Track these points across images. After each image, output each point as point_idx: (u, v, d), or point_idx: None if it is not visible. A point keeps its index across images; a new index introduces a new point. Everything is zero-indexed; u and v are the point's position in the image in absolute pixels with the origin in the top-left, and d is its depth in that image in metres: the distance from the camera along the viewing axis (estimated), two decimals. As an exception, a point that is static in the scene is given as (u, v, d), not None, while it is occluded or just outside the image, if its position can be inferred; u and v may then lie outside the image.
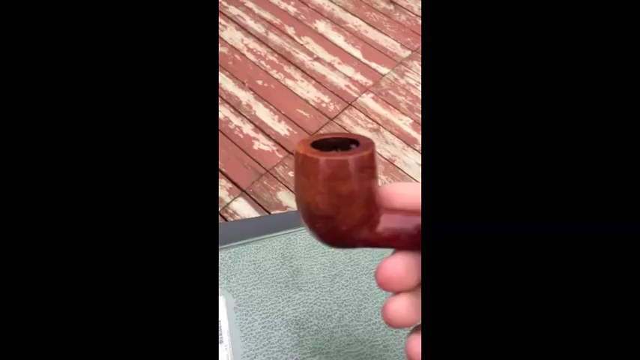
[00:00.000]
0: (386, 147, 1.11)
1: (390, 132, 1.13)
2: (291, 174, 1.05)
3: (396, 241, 0.18)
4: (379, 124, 1.14)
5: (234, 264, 0.37)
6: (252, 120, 1.13)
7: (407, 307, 0.18)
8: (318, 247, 0.38)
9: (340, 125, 1.14)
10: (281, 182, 1.04)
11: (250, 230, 0.40)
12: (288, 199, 1.03)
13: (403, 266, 0.18)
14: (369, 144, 0.18)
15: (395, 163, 1.09)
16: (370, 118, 1.15)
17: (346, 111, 1.16)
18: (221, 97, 1.17)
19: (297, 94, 1.19)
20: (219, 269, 0.37)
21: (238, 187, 1.03)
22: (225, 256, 0.37)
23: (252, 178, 1.04)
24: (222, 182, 1.03)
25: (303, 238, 0.38)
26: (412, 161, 1.08)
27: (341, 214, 0.17)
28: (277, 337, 0.34)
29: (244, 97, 1.18)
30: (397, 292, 0.18)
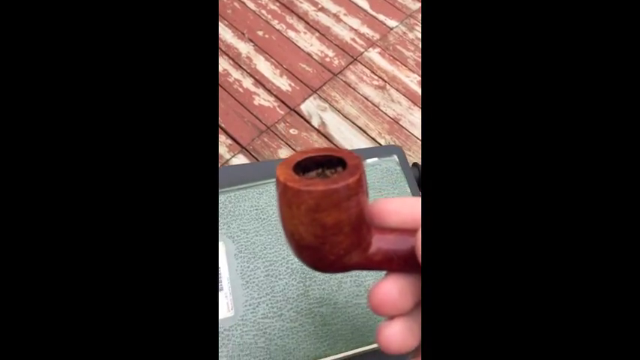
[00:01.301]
0: (391, 105, 1.07)
1: (397, 90, 1.08)
2: (292, 131, 1.01)
3: (389, 264, 0.17)
4: (385, 81, 1.09)
5: (235, 209, 0.34)
6: (252, 74, 1.08)
7: (402, 332, 0.17)
8: (325, 193, 0.35)
9: (344, 81, 1.08)
10: (282, 139, 1.00)
11: (252, 174, 0.37)
12: (289, 157, 0.99)
13: (396, 289, 0.17)
14: (357, 166, 0.16)
15: (400, 123, 1.05)
16: (376, 75, 1.10)
17: (351, 66, 1.11)
18: (220, 49, 1.11)
19: (299, 47, 1.13)
20: (219, 214, 0.34)
21: (238, 143, 0.99)
22: (225, 200, 0.35)
23: (252, 134, 1.00)
24: (222, 138, 1.00)
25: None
26: (418, 120, 1.04)
27: (327, 244, 0.16)
28: (281, 286, 0.32)
29: (244, 48, 1.12)
30: (392, 317, 0.17)
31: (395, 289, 0.17)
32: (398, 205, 0.17)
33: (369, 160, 0.36)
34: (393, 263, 0.17)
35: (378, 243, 0.17)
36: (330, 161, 0.17)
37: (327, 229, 0.15)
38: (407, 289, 0.17)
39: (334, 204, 0.15)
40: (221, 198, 0.35)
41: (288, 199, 0.15)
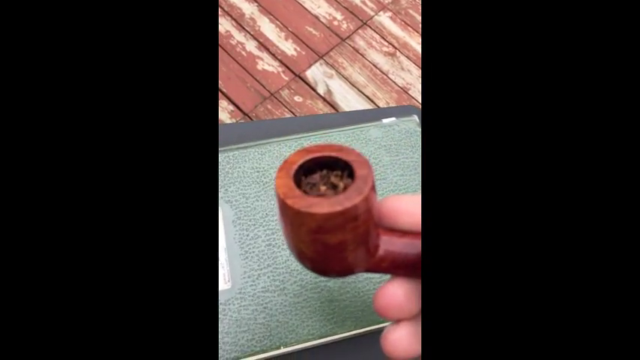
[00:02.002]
0: (401, 74, 1.01)
1: (407, 57, 1.03)
2: (297, 98, 0.97)
3: (396, 269, 0.16)
4: (395, 48, 1.04)
5: (234, 170, 0.30)
6: (256, 36, 1.02)
7: (408, 337, 0.16)
8: (335, 155, 0.31)
9: (353, 47, 1.03)
10: (286, 107, 0.96)
11: (253, 133, 0.33)
12: (293, 126, 0.95)
13: (402, 293, 0.16)
14: (365, 178, 0.15)
15: (409, 92, 1.00)
16: (386, 41, 1.04)
17: (360, 31, 1.05)
18: (221, 8, 1.05)
19: (306, 9, 1.06)
20: (215, 176, 0.31)
21: (240, 110, 0.95)
22: (223, 160, 0.31)
23: (255, 100, 0.96)
24: (223, 104, 0.95)
25: (318, 144, 0.31)
26: (430, 90, 0.99)
27: (331, 261, 0.15)
28: (284, 256, 0.29)
29: (247, 9, 1.05)
30: (398, 321, 0.16)
31: (401, 292, 0.16)
32: (409, 206, 0.16)
33: (385, 120, 0.32)
34: (400, 269, 0.16)
35: (386, 246, 0.16)
36: (335, 163, 0.16)
37: (331, 248, 0.15)
38: (413, 293, 0.16)
39: (338, 226, 0.14)
40: (219, 157, 0.31)
41: (288, 216, 0.14)
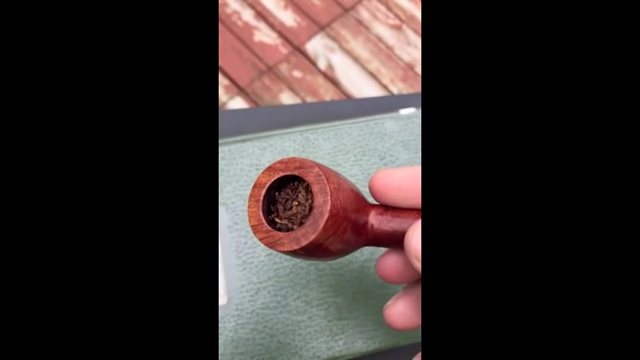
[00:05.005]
0: (407, 49, 0.96)
1: (414, 31, 0.97)
2: (296, 74, 0.91)
3: (386, 245, 0.17)
4: (402, 21, 0.98)
5: (230, 168, 0.27)
6: (253, 5, 0.96)
7: (405, 311, 0.17)
8: (346, 151, 0.27)
9: (356, 19, 0.96)
10: (284, 82, 0.90)
11: (253, 122, 0.29)
12: (292, 103, 0.90)
13: (403, 261, 0.17)
14: (321, 211, 0.15)
15: (415, 70, 0.94)
16: (392, 12, 0.98)
17: (364, 1, 0.98)
18: (216, -27, 0.97)
19: (307, -24, 0.99)
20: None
21: (236, 84, 0.89)
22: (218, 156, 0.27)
23: (251, 75, 0.90)
24: (218, 78, 0.90)
25: (326, 138, 0.27)
26: (436, 67, 0.94)
27: (318, 258, 0.16)
28: (287, 268, 0.25)
29: (244, -26, 0.98)
30: (398, 298, 0.18)
31: (401, 261, 0.17)
32: (399, 181, 0.16)
33: (403, 111, 0.28)
34: (396, 244, 0.17)
35: (375, 221, 0.16)
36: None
37: (311, 255, 0.15)
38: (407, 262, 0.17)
39: (309, 251, 0.15)
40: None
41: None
